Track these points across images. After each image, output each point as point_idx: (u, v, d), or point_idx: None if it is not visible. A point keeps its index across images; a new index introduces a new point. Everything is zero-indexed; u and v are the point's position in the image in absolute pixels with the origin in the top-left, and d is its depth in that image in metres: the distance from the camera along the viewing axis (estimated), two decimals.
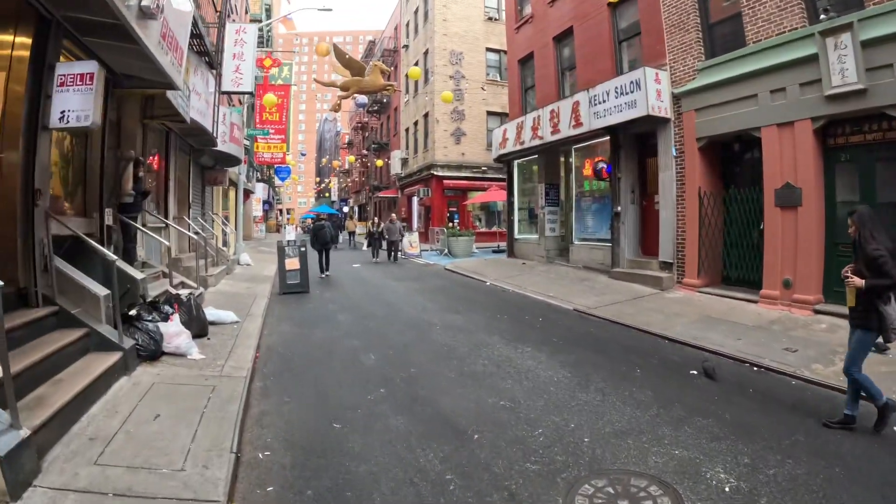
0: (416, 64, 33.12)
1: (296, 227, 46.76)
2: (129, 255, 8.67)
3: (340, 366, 6.72)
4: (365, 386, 5.92)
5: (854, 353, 4.62)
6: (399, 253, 21.74)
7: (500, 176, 29.29)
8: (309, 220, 69.76)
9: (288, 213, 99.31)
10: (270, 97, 19.17)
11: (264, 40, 33.46)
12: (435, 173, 28.55)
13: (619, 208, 13.69)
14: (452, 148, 28.87)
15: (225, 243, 20.33)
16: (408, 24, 35.52)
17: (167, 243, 10.27)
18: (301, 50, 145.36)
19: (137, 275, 7.61)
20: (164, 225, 11.09)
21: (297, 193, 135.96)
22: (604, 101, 13.17)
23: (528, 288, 12.97)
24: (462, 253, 21.67)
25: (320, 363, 6.84)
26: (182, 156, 13.72)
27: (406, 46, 35.39)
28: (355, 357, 7.08)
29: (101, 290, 6.10)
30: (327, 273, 16.59)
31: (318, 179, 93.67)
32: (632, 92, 12.24)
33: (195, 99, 10.74)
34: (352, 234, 42.60)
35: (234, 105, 21.16)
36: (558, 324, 9.23)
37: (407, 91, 35.34)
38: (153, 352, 6.41)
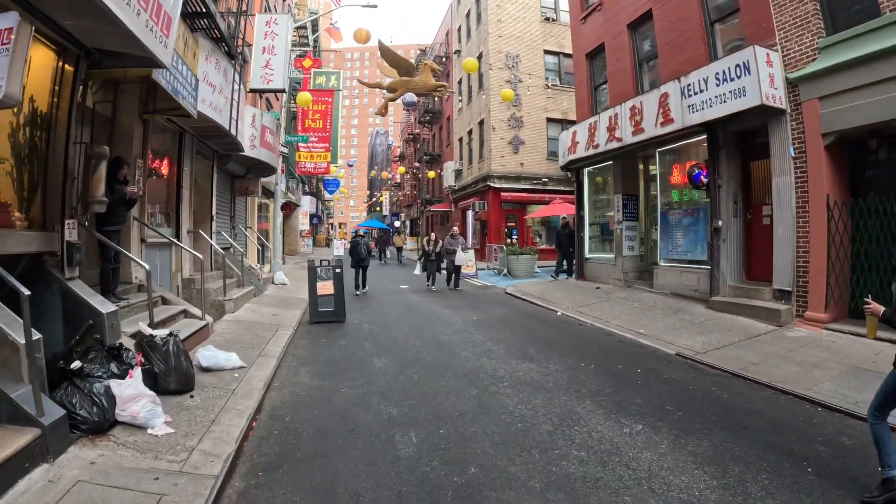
0: None
1: (344, 243, 45.56)
2: (106, 280, 6.78)
3: (365, 456, 4.52)
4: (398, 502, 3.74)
5: (878, 393, 3.85)
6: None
7: (564, 188, 26.98)
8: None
9: (339, 228, 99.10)
10: (305, 96, 17.34)
11: (311, 49, 32.17)
12: (491, 185, 26.35)
13: (718, 223, 11.16)
14: (510, 158, 26.65)
15: (263, 259, 18.61)
16: (459, 29, 33.64)
17: (156, 263, 8.39)
18: (353, 65, 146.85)
19: (102, 307, 5.69)
20: (167, 241, 9.23)
21: (350, 208, 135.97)
22: (700, 92, 10.76)
23: (610, 321, 10.54)
24: (523, 273, 19.38)
25: (337, 450, 4.65)
26: (203, 161, 11.95)
27: (458, 52, 33.48)
28: (389, 438, 4.87)
29: (21, 337, 4.15)
30: (364, 290, 15.64)
31: (368, 192, 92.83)
32: (738, 77, 9.81)
33: (207, 90, 8.89)
34: (399, 249, 40.99)
35: (272, 109, 19.55)
36: (664, 378, 6.83)
37: (460, 97, 33.38)
38: (97, 424, 4.46)
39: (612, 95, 15.45)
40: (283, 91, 14.61)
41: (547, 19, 28.25)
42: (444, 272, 17.99)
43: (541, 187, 26.78)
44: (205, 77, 8.75)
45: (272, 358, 7.48)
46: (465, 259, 19.78)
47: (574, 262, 17.89)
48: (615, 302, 12.55)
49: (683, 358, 7.84)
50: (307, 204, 37.67)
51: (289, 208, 24.83)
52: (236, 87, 10.69)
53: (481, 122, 28.47)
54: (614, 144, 13.94)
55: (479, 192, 28.18)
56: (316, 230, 58.34)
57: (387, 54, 16.85)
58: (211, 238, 11.73)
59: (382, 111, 17.67)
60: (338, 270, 11.19)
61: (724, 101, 10.17)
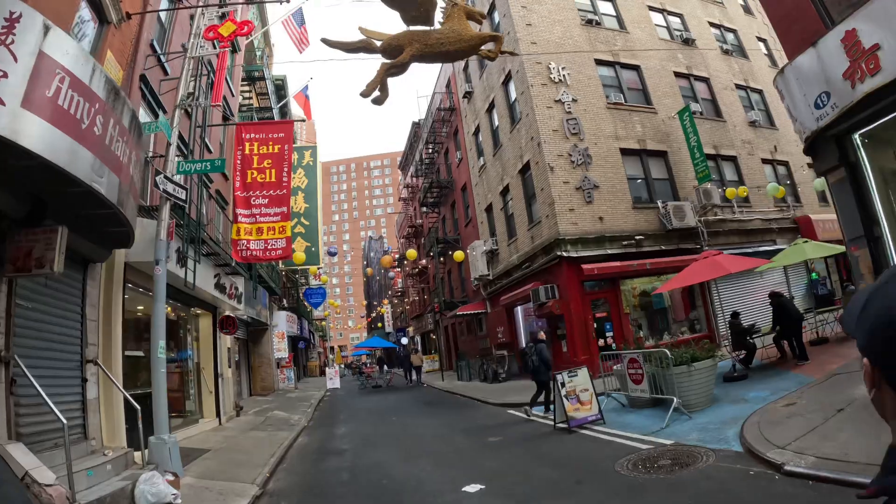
0: (491, 106, 22.24)
1: (338, 371, 35.01)
2: None
3: None
4: None
5: None
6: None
7: (666, 246, 17.34)
8: (362, 359, 58.27)
9: (336, 352, 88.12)
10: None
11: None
12: (564, 254, 16.51)
13: None
14: (583, 211, 16.96)
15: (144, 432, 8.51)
16: (466, 67, 25.15)
17: None
18: (339, 178, 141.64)
19: None
20: None
21: (348, 329, 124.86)
22: None
23: None
24: (701, 398, 9.36)
25: None
26: None
27: (469, 94, 24.81)
28: None
29: None
30: None
31: (364, 303, 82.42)
32: None
33: None
34: (418, 369, 30.84)
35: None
36: None
37: (480, 153, 24.24)
38: None
39: None
40: None
41: (589, 22, 19.71)
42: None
43: (634, 250, 17.00)
44: None
45: None
46: (574, 389, 9.98)
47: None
48: None
49: None
50: (283, 322, 27.61)
51: (231, 326, 14.73)
52: None
53: (525, 169, 19.03)
54: None
55: (541, 273, 18.21)
56: (306, 357, 47.79)
57: None
58: None
59: (371, 89, 8.43)
60: None
61: None
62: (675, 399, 8.99)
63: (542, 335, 12.14)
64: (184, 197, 8.62)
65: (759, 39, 24.68)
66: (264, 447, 10.56)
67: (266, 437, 12.07)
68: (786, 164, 22.42)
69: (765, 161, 21.76)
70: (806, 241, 14.81)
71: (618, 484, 6.24)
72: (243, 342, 22.75)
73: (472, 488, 6.76)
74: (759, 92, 23.18)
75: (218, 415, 13.96)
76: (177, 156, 8.88)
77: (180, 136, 9.32)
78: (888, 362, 0.88)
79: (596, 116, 18.23)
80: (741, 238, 18.96)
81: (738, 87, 22.54)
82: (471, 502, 6.32)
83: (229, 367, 15.78)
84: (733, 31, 24.09)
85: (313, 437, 13.03)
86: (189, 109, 11.14)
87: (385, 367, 40.35)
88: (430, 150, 32.42)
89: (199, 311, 14.14)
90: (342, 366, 62.07)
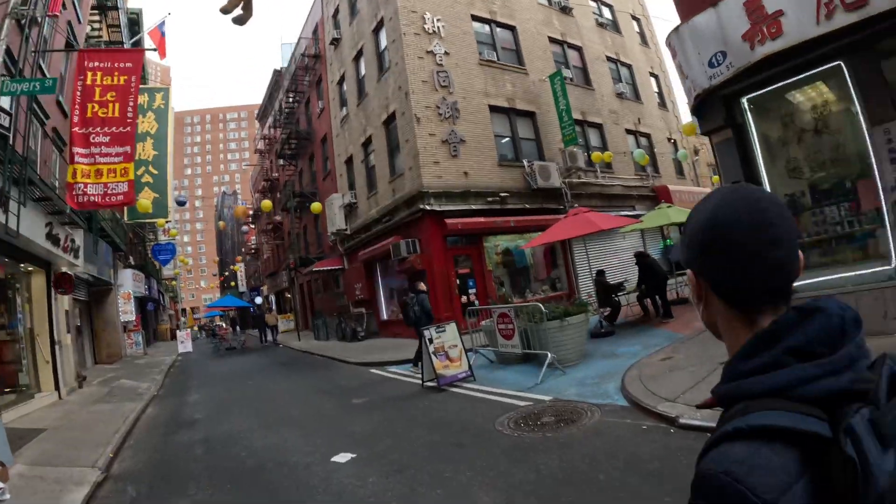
0: (359, 54, 21.46)
1: (190, 334, 33.06)
2: None
3: None
4: None
5: None
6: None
7: (531, 205, 17.88)
8: (215, 320, 55.30)
9: (188, 314, 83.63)
10: None
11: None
12: (428, 208, 16.41)
13: None
14: (448, 164, 16.95)
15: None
16: (336, 13, 24.00)
17: None
18: (194, 130, 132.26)
19: None
20: None
21: (201, 289, 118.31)
22: None
23: None
24: (574, 352, 9.73)
25: None
26: None
27: (336, 41, 23.75)
28: None
29: None
30: None
31: (217, 260, 78.23)
32: None
33: None
34: (273, 328, 29.89)
35: None
36: None
37: (343, 103, 23.40)
38: None
39: None
40: None
41: None
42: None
43: (499, 207, 17.34)
44: None
45: None
46: (442, 345, 10.01)
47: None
48: None
49: None
50: (130, 282, 25.38)
51: (68, 284, 13.18)
52: None
53: (390, 119, 18.63)
54: None
55: (401, 228, 18.07)
56: (156, 319, 44.66)
57: None
58: None
59: (232, 5, 7.69)
60: None
61: None
62: (549, 354, 9.19)
63: (422, 285, 12.01)
64: (7, 124, 7.38)
65: (633, 18, 26.13)
66: (109, 422, 9.53)
67: (111, 409, 10.94)
68: (648, 136, 24.14)
69: (629, 132, 23.26)
70: (670, 206, 15.92)
71: (503, 444, 5.95)
72: (84, 304, 20.60)
73: (342, 458, 6.26)
74: (629, 67, 24.70)
75: (57, 387, 12.38)
76: (2, 74, 7.57)
77: (9, 53, 7.95)
78: (709, 264, 0.90)
79: (468, 71, 18.21)
80: (603, 202, 20.04)
81: (610, 59, 23.75)
82: (344, 474, 5.71)
83: (68, 332, 14.08)
84: (609, 6, 25.35)
85: (164, 406, 12.05)
86: (21, 20, 9.53)
87: (238, 329, 38.82)
88: (291, 100, 30.78)
89: (30, 268, 12.42)
90: (195, 328, 58.90)
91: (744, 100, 7.81)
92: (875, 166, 6.55)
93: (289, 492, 5.46)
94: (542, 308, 9.65)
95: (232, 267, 63.57)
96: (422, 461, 5.78)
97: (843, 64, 6.72)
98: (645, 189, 22.58)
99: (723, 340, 0.97)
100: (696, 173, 28.38)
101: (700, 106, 8.26)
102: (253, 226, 52.76)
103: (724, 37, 7.23)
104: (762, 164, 7.77)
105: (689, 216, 0.95)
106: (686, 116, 28.26)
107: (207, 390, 13.83)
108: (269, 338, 29.99)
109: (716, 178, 29.71)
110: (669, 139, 25.97)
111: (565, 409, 6.99)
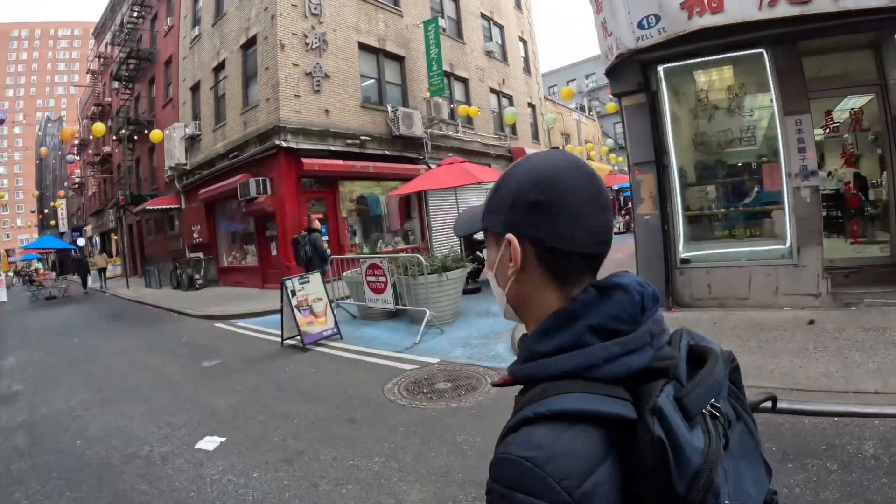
0: None
1: (3, 280, 28.55)
2: None
3: None
4: None
5: None
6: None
7: (391, 151, 17.10)
8: (33, 264, 48.86)
9: (5, 257, 73.13)
10: None
11: None
12: (284, 144, 14.75)
13: None
14: (309, 99, 15.45)
15: None
16: None
17: None
18: (20, 45, 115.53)
19: None
20: None
21: (17, 228, 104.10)
22: None
23: None
24: (450, 313, 9.16)
25: None
26: None
27: None
28: None
29: None
30: None
31: (36, 194, 68.93)
32: None
33: None
34: (101, 272, 26.96)
35: None
36: None
37: (196, 21, 20.74)
38: None
39: None
40: None
41: None
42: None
43: (358, 150, 16.27)
44: None
45: None
46: (305, 297, 8.99)
47: None
48: None
49: None
50: None
51: None
52: None
53: (250, 43, 16.61)
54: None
55: (251, 165, 16.35)
56: None
57: None
58: None
59: None
60: None
61: None
62: (427, 311, 8.41)
63: (316, 223, 10.79)
64: None
65: None
66: None
67: None
68: (510, 98, 24.33)
69: (493, 91, 23.22)
70: None
71: (404, 419, 5.03)
72: None
73: (208, 443, 4.85)
74: (501, 28, 24.77)
75: None
76: None
77: None
78: (542, 225, 0.81)
79: (341, 3, 16.73)
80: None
81: (484, 16, 23.57)
82: (216, 469, 4.34)
83: None
84: None
85: None
86: None
87: (59, 274, 34.33)
88: (136, 14, 26.84)
89: None
90: (10, 273, 51.68)
91: (661, 68, 7.81)
92: (782, 152, 6.98)
93: (150, 499, 3.95)
94: (423, 259, 8.87)
95: (53, 203, 56.28)
96: (313, 445, 4.66)
97: (765, 52, 7.04)
98: (502, 149, 22.88)
99: (522, 321, 0.91)
100: (550, 140, 29.38)
101: (616, 66, 7.96)
102: (78, 157, 46.75)
103: (661, 1, 6.90)
104: (670, 132, 7.86)
105: (502, 180, 0.87)
106: (544, 87, 29.09)
107: (25, 351, 10.88)
108: (96, 284, 26.69)
109: (569, 146, 30.94)
110: (530, 104, 26.55)
111: (459, 373, 6.34)
